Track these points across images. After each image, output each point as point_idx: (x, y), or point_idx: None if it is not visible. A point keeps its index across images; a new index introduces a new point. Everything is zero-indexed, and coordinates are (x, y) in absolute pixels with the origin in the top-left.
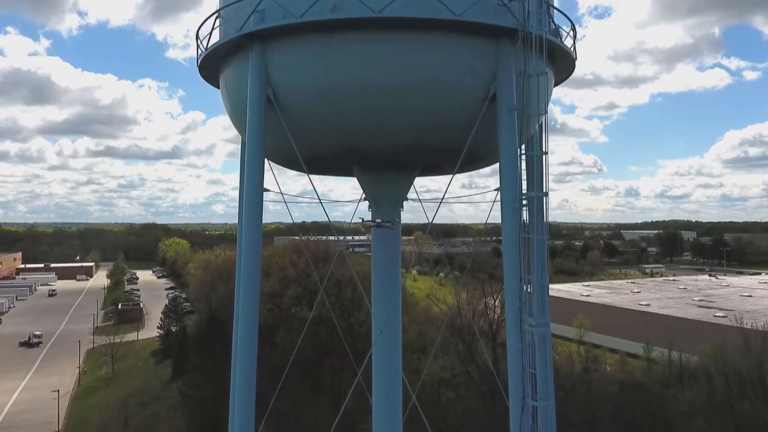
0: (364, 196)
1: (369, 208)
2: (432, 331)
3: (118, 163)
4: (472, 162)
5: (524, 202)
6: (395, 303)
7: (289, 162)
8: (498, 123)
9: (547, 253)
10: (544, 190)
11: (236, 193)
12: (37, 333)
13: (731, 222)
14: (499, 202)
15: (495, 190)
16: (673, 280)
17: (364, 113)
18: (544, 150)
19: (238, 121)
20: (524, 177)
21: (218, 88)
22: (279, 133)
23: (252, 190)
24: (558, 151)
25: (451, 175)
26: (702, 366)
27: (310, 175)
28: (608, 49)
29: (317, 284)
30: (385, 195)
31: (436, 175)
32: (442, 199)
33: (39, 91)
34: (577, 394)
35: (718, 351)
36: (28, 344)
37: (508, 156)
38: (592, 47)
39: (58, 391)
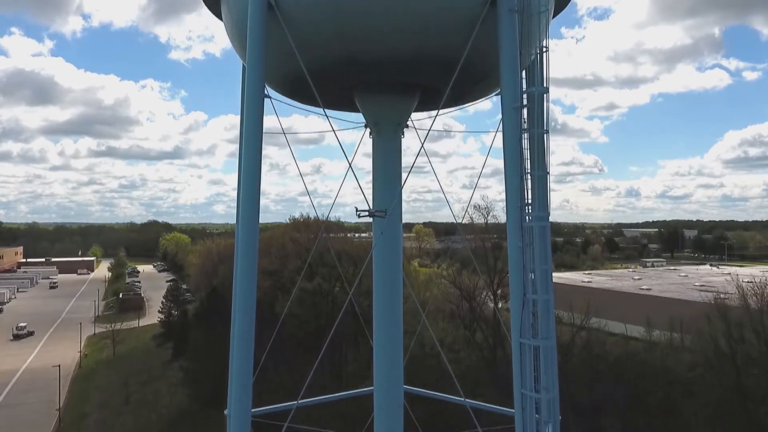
0: (365, 123)
1: (369, 134)
2: (433, 300)
3: (119, 164)
4: (471, 81)
5: (524, 102)
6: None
7: (291, 87)
8: (498, 26)
9: (548, 148)
10: (545, 85)
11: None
12: (22, 324)
13: (732, 221)
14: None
15: (495, 94)
16: (674, 269)
17: (364, 16)
18: (544, 46)
19: (240, 41)
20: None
21: (221, 19)
22: (280, 49)
23: (252, 98)
24: (558, 151)
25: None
26: (703, 321)
27: (309, 107)
28: (608, 50)
29: (317, 258)
30: (386, 118)
31: (436, 108)
32: (438, 110)
33: (42, 92)
34: (577, 346)
35: (720, 302)
36: (15, 336)
37: (509, 57)
38: (592, 48)
39: (59, 366)
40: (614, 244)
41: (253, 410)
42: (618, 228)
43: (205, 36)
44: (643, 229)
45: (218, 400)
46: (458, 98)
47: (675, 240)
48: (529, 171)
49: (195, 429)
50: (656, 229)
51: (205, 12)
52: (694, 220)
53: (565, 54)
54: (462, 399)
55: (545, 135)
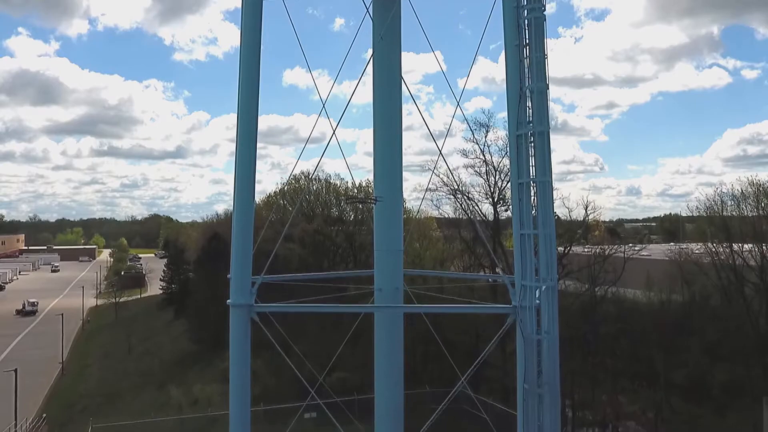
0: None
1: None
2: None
3: (121, 163)
4: None
5: None
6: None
7: None
8: None
9: None
10: None
11: None
12: (32, 301)
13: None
14: None
15: None
16: (674, 244)
17: None
18: None
19: None
20: None
21: None
22: None
23: None
24: (559, 150)
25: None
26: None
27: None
28: (606, 49)
29: (314, 203)
30: None
31: None
32: None
33: (46, 92)
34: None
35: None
36: (23, 312)
37: None
38: (591, 47)
39: (62, 315)
40: (615, 233)
41: (253, 277)
42: (619, 222)
43: (207, 38)
44: (645, 224)
45: (220, 342)
46: None
47: (676, 229)
48: None
49: (197, 367)
50: (656, 224)
51: (209, 14)
52: (695, 216)
53: (563, 53)
54: (459, 273)
55: None
